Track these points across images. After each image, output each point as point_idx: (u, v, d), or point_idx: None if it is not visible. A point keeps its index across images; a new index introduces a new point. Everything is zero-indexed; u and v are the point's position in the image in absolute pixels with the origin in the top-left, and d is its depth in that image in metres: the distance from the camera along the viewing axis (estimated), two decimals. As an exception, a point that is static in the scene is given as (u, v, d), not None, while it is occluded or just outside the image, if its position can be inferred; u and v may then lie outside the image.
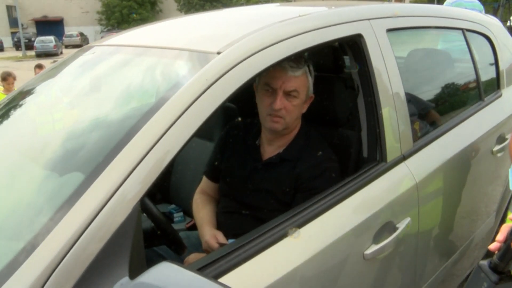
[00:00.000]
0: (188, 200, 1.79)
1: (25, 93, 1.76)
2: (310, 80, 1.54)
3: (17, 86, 5.88)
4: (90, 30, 41.84)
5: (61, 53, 29.91)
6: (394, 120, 1.56)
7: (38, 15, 44.18)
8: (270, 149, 1.60)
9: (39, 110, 1.63)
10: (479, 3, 3.42)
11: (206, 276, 0.91)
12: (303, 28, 1.35)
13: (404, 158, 1.59)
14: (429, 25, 2.04)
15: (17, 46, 35.09)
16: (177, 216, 2.09)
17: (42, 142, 1.42)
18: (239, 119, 1.91)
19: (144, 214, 1.41)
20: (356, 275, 1.40)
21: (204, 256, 1.35)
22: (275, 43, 1.25)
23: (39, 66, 7.16)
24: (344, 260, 1.34)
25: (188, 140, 1.04)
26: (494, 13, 10.61)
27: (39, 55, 27.80)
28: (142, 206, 1.01)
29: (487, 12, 4.30)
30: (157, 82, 1.34)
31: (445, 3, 3.50)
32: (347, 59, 1.72)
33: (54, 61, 3.63)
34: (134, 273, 0.90)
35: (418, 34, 2.19)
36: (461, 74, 2.39)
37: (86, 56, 1.74)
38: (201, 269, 1.04)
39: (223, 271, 1.05)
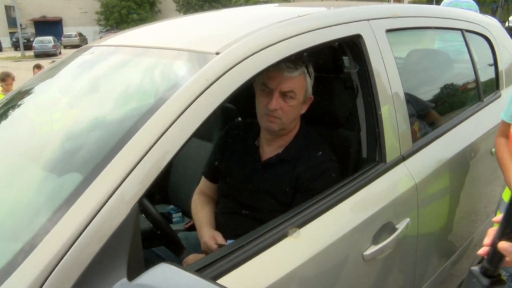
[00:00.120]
0: (187, 201, 1.78)
1: (23, 93, 1.75)
2: (309, 81, 1.53)
3: (16, 86, 5.87)
4: (89, 31, 41.81)
5: (60, 53, 29.87)
6: (394, 120, 1.56)
7: (36, 15, 44.16)
8: (269, 150, 1.60)
9: (37, 111, 1.63)
10: (474, 4, 3.44)
11: (204, 277, 0.91)
12: (303, 28, 1.35)
13: (403, 158, 1.59)
14: (428, 26, 2.04)
15: (15, 46, 35.04)
16: (176, 216, 2.09)
17: (40, 142, 1.41)
18: (239, 119, 1.91)
19: (143, 215, 1.40)
20: (356, 276, 1.40)
21: (203, 257, 1.35)
22: (274, 44, 1.25)
23: (38, 67, 7.16)
24: (344, 261, 1.34)
25: (187, 141, 1.04)
26: (493, 14, 10.62)
27: (38, 56, 27.77)
28: (140, 206, 1.00)
29: (485, 13, 4.31)
30: (156, 83, 1.34)
31: (442, 4, 3.51)
32: (346, 60, 1.72)
33: (53, 62, 3.63)
34: (132, 274, 0.89)
35: (417, 34, 2.19)
36: (461, 74, 2.39)
37: (85, 57, 1.74)
38: (200, 270, 1.03)
39: (222, 272, 1.05)
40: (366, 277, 1.44)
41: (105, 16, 42.13)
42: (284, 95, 1.48)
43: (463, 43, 2.22)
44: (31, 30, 42.67)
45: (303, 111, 1.57)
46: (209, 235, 1.49)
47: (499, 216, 0.75)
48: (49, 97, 1.70)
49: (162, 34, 1.68)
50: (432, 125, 2.02)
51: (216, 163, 1.70)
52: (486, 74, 2.42)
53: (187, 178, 2.06)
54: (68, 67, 1.77)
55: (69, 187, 0.98)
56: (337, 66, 1.74)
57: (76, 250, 0.86)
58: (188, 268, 1.03)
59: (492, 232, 0.78)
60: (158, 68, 1.39)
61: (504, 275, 1.58)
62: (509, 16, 9.72)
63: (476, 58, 2.27)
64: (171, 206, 2.16)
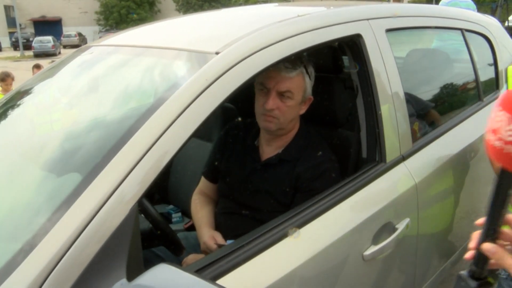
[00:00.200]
0: (187, 201, 1.78)
1: (22, 93, 1.75)
2: (308, 82, 1.52)
3: (15, 86, 5.86)
4: (88, 30, 41.77)
5: (59, 53, 29.83)
6: (394, 120, 1.56)
7: (36, 15, 44.13)
8: (269, 150, 1.60)
9: (37, 111, 1.62)
10: (473, 3, 3.45)
11: (204, 278, 0.91)
12: (302, 28, 1.35)
13: (403, 158, 1.59)
14: (428, 26, 2.04)
15: (15, 46, 34.98)
16: (176, 216, 2.09)
17: (40, 142, 1.41)
18: (239, 119, 1.90)
19: (142, 215, 1.40)
20: (356, 276, 1.40)
21: (202, 257, 1.35)
22: (274, 43, 1.25)
23: (37, 66, 7.14)
24: (344, 261, 1.34)
25: (186, 141, 1.04)
26: (492, 14, 10.63)
27: (37, 55, 27.71)
28: (140, 206, 1.00)
29: (485, 12, 4.32)
30: (155, 82, 1.34)
31: (440, 3, 3.51)
32: (346, 59, 1.72)
33: (52, 61, 3.63)
34: (131, 274, 0.89)
35: (417, 34, 2.19)
36: (460, 74, 2.39)
37: (84, 56, 1.74)
38: (199, 271, 1.03)
39: (222, 272, 1.05)
40: (366, 277, 1.44)
41: (104, 16, 42.11)
42: (281, 95, 1.47)
43: (463, 42, 2.22)
44: (30, 30, 42.63)
45: (302, 111, 1.56)
46: (208, 235, 1.49)
47: (482, 219, 0.76)
48: (49, 97, 1.69)
49: (162, 34, 1.68)
50: (432, 124, 2.02)
51: (216, 163, 1.70)
52: (486, 74, 2.42)
53: (186, 178, 2.06)
54: (68, 67, 1.77)
55: (69, 187, 0.98)
56: (337, 66, 1.74)
57: (75, 250, 0.86)
58: (187, 268, 1.03)
59: (476, 235, 0.80)
60: (158, 68, 1.39)
61: (503, 275, 1.58)
62: (508, 15, 9.72)
63: (476, 58, 2.27)
64: (171, 206, 2.16)
